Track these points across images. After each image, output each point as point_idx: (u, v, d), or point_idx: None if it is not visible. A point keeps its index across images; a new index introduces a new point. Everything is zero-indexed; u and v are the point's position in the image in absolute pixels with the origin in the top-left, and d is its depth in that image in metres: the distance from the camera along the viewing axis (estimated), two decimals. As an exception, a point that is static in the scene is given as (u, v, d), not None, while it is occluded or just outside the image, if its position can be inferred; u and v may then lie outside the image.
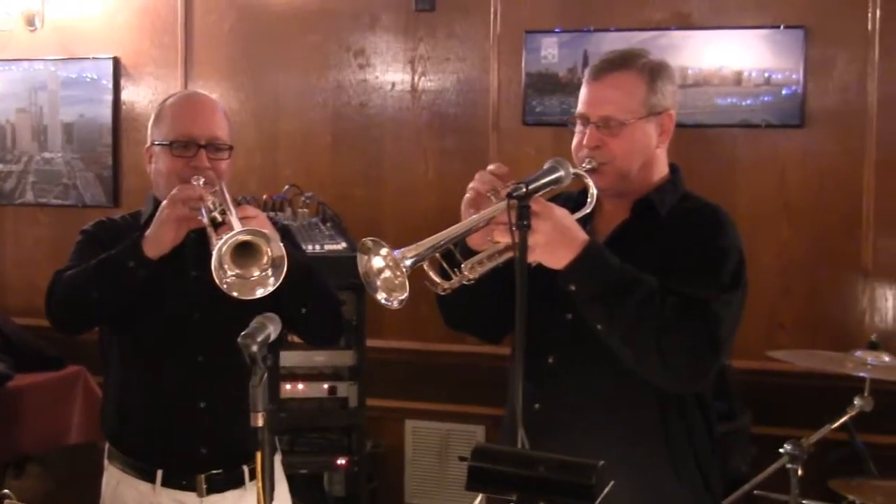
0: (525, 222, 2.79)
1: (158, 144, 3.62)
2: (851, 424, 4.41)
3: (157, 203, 3.56)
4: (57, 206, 7.24)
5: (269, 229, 3.26)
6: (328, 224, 5.78)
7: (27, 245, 7.31)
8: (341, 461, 5.71)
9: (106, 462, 3.72)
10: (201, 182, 3.45)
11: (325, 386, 5.57)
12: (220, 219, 3.28)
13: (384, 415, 6.34)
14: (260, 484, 2.59)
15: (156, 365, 3.58)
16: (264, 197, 5.85)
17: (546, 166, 2.98)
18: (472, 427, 6.44)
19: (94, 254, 3.50)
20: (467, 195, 3.06)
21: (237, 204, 3.41)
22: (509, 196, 2.81)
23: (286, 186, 5.99)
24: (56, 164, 7.22)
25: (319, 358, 5.46)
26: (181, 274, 3.50)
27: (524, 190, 2.81)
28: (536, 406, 2.97)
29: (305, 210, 5.90)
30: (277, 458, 3.70)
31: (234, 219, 3.23)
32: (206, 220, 3.30)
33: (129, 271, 3.37)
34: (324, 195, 6.10)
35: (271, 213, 5.66)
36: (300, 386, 5.45)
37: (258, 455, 2.58)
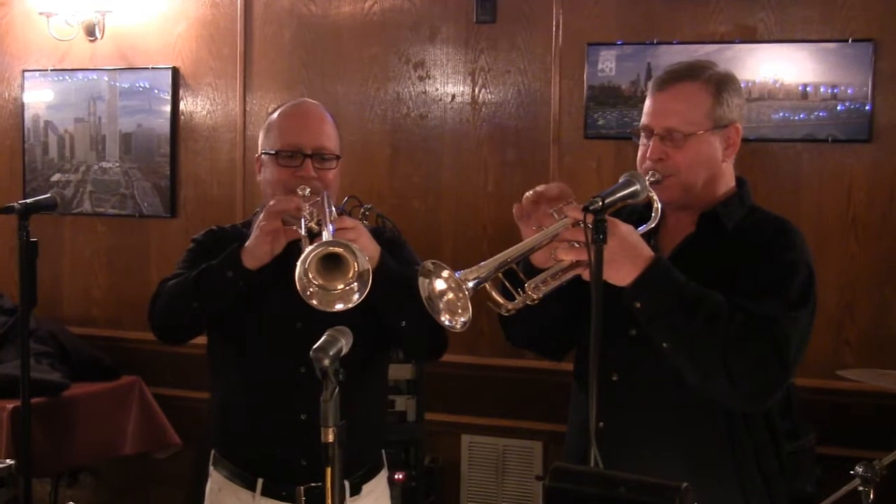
0: (601, 237, 2.74)
1: (266, 154, 3.66)
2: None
3: None
4: (114, 215, 7.25)
5: (365, 241, 3.30)
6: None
7: (84, 255, 7.32)
8: (399, 476, 5.70)
9: (211, 468, 3.78)
10: (307, 192, 3.47)
11: (384, 400, 5.56)
12: (316, 230, 3.30)
13: (441, 429, 6.31)
14: (329, 501, 2.55)
15: (259, 374, 3.62)
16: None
17: (621, 180, 2.95)
18: (529, 443, 6.39)
19: (200, 262, 3.56)
20: (517, 210, 3.06)
21: (340, 214, 3.43)
22: (585, 210, 2.78)
23: (345, 198, 5.95)
24: (114, 174, 7.22)
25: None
26: (285, 284, 3.44)
27: (600, 204, 2.77)
28: (600, 424, 2.90)
29: (365, 222, 5.85)
30: (383, 474, 3.80)
31: (325, 231, 3.24)
32: (303, 232, 3.31)
33: (227, 281, 3.43)
34: (382, 207, 6.08)
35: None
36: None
37: (328, 471, 2.57)
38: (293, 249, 3.39)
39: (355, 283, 3.10)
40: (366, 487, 3.68)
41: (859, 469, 4.19)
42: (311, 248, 3.09)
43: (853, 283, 5.77)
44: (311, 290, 3.10)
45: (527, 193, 3.04)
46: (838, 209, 5.80)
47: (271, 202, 3.44)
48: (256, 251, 3.40)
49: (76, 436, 6.27)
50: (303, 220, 3.34)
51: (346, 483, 3.54)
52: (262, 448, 3.60)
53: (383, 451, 3.85)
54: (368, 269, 3.10)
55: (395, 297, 3.33)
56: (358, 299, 3.11)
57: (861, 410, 5.60)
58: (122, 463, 6.73)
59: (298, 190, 3.48)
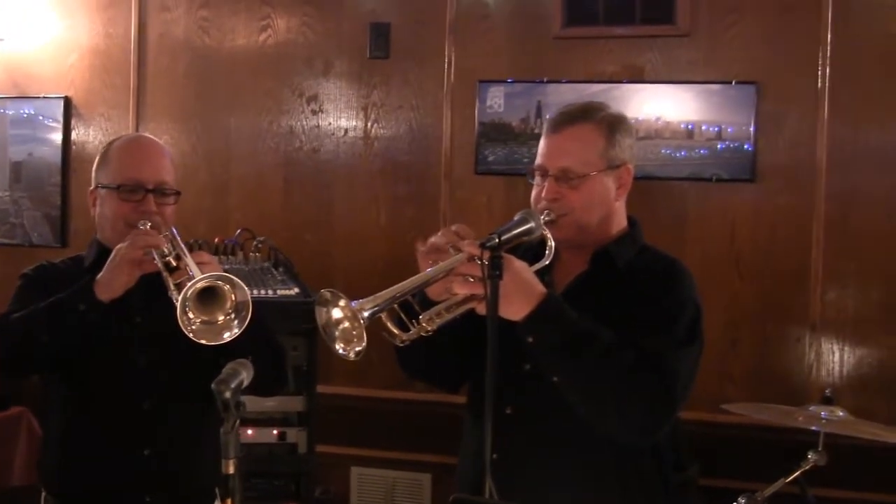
0: (497, 272, 2.80)
1: (104, 187, 3.58)
2: (802, 479, 4.42)
3: (101, 247, 3.57)
4: (3, 244, 7.15)
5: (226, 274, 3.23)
6: (280, 269, 5.75)
7: (-29, 284, 7.23)
8: (288, 508, 5.66)
9: None
10: (148, 226, 3.43)
11: (275, 431, 5.54)
12: (174, 263, 3.27)
13: (330, 461, 6.29)
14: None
15: (99, 411, 3.52)
16: (216, 240, 5.81)
17: (517, 217, 3.01)
18: (418, 475, 6.42)
19: (35, 298, 3.45)
20: (422, 248, 3.07)
21: (190, 249, 3.39)
22: (482, 246, 2.84)
23: (238, 230, 5.96)
24: (3, 203, 7.15)
25: (269, 403, 5.41)
26: (125, 319, 3.46)
27: (497, 240, 2.83)
28: (494, 455, 2.95)
29: (257, 254, 5.87)
30: None
31: (191, 263, 3.21)
32: (159, 264, 3.27)
33: (79, 315, 3.31)
34: (275, 240, 6.07)
35: (223, 257, 5.65)
36: (249, 431, 5.40)
37: (227, 503, 2.54)
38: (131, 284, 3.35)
39: (233, 313, 3.07)
40: None
41: (742, 501, 4.25)
42: (192, 282, 3.03)
43: (737, 319, 5.89)
44: (195, 327, 3.05)
45: (445, 231, 3.07)
46: (723, 247, 5.93)
47: (132, 235, 3.35)
48: (114, 283, 3.31)
49: (-38, 466, 6.20)
50: (156, 253, 3.29)
51: None
52: (102, 488, 3.50)
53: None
54: (247, 300, 3.07)
55: (247, 332, 3.19)
56: (239, 326, 3.07)
57: (744, 443, 5.71)
58: (8, 494, 6.65)
59: (139, 224, 3.44)
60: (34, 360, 3.47)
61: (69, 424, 3.59)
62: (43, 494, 3.65)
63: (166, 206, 3.57)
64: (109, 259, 3.36)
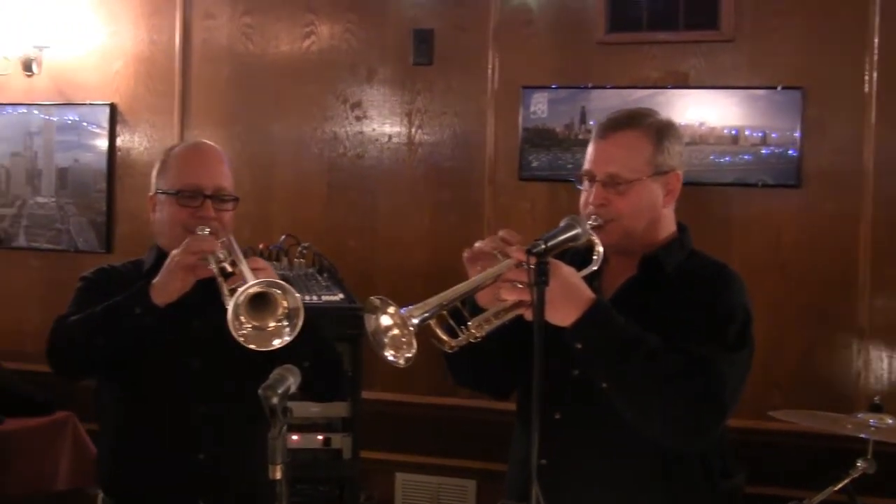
0: (543, 278, 2.79)
1: (163, 193, 3.60)
2: (851, 487, 4.40)
3: (160, 251, 3.58)
4: (49, 250, 7.23)
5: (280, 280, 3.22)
6: (325, 275, 5.76)
7: (18, 289, 7.29)
8: (333, 515, 5.66)
9: None
10: (206, 232, 3.45)
11: (320, 437, 5.54)
12: (229, 269, 3.26)
13: (375, 467, 6.30)
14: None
15: (153, 414, 3.54)
16: (260, 246, 5.82)
17: (562, 223, 3.00)
18: (463, 481, 6.43)
19: (95, 300, 3.46)
20: (467, 254, 3.06)
21: (245, 255, 3.40)
22: (528, 252, 2.82)
23: (283, 236, 5.97)
24: (49, 209, 7.21)
25: (314, 409, 5.41)
26: (182, 323, 3.46)
27: (543, 247, 2.82)
28: (543, 461, 2.95)
29: (302, 260, 5.88)
30: None
31: (245, 269, 3.22)
32: (215, 270, 3.28)
33: (135, 318, 3.33)
34: (318, 246, 6.08)
35: (274, 263, 5.66)
36: (294, 437, 5.40)
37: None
38: (189, 288, 3.37)
39: (285, 320, 3.08)
40: None
41: (789, 508, 4.27)
42: (243, 287, 3.04)
43: (782, 325, 5.86)
44: (245, 331, 3.06)
45: (492, 238, 3.06)
46: (768, 252, 5.92)
47: (188, 240, 3.37)
48: (168, 287, 3.33)
49: (8, 471, 6.23)
50: (212, 258, 3.31)
51: None
52: (157, 491, 3.51)
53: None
54: (299, 307, 3.08)
55: (303, 338, 3.22)
56: (291, 333, 3.08)
57: (791, 451, 5.70)
58: (55, 498, 6.68)
59: (197, 230, 3.45)
60: (90, 362, 3.49)
61: (124, 427, 3.61)
62: (100, 495, 3.67)
63: (225, 211, 3.59)
64: (165, 264, 3.38)
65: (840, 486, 4.35)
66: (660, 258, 3.19)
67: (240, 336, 3.05)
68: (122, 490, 3.61)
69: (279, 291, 3.07)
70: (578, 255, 3.19)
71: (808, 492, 4.40)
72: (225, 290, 3.20)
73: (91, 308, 3.44)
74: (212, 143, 3.82)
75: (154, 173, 3.69)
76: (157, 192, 3.65)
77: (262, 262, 3.38)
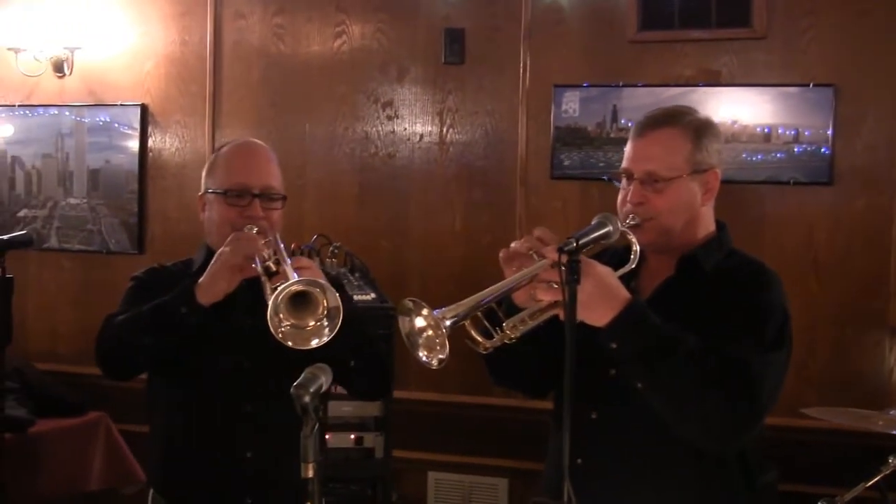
0: (574, 277, 2.78)
1: (212, 193, 3.62)
2: (883, 484, 4.39)
3: (209, 251, 3.58)
4: (81, 251, 7.26)
5: (322, 280, 3.24)
6: (357, 275, 5.78)
7: (50, 290, 7.32)
8: (366, 513, 5.68)
9: None
10: (254, 231, 3.46)
11: (352, 436, 5.56)
12: (274, 268, 3.28)
13: (407, 466, 6.33)
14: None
15: (203, 413, 3.57)
16: (292, 246, 5.80)
17: (594, 221, 2.98)
18: (495, 479, 6.42)
19: (144, 300, 3.50)
20: (503, 254, 3.06)
21: (291, 254, 3.41)
22: (560, 250, 2.80)
23: (314, 236, 5.99)
24: (81, 210, 7.24)
25: (346, 408, 5.43)
26: (229, 322, 3.48)
27: (574, 245, 2.80)
28: (578, 461, 2.95)
29: (334, 260, 5.89)
30: None
31: (289, 269, 3.23)
32: (259, 269, 3.30)
33: (181, 317, 3.36)
34: (350, 245, 6.09)
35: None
36: (326, 436, 5.41)
37: (308, 507, 2.56)
38: (238, 288, 3.39)
39: (325, 320, 3.09)
40: None
41: (822, 505, 4.26)
42: (283, 286, 3.07)
43: (814, 323, 5.84)
44: (284, 329, 3.08)
45: (527, 237, 3.06)
46: (800, 250, 5.90)
47: (233, 238, 3.40)
48: (214, 287, 3.35)
49: (41, 472, 6.25)
50: (257, 258, 3.32)
51: None
52: (205, 488, 3.55)
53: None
54: (339, 306, 3.09)
55: (349, 337, 3.27)
56: (330, 333, 3.09)
57: (823, 447, 5.68)
58: (88, 499, 6.70)
59: (245, 229, 3.46)
60: (136, 361, 3.53)
61: (173, 425, 3.64)
62: (151, 492, 3.70)
63: (273, 210, 3.59)
64: (211, 263, 3.41)
65: (872, 482, 4.34)
66: (698, 257, 3.19)
67: (279, 333, 3.08)
68: (173, 488, 3.64)
69: (319, 291, 3.09)
70: (616, 255, 3.20)
71: (839, 489, 4.38)
72: (268, 288, 3.21)
73: (139, 307, 3.47)
74: (260, 142, 3.82)
75: (204, 172, 3.71)
76: (206, 192, 3.67)
77: (306, 262, 3.39)
